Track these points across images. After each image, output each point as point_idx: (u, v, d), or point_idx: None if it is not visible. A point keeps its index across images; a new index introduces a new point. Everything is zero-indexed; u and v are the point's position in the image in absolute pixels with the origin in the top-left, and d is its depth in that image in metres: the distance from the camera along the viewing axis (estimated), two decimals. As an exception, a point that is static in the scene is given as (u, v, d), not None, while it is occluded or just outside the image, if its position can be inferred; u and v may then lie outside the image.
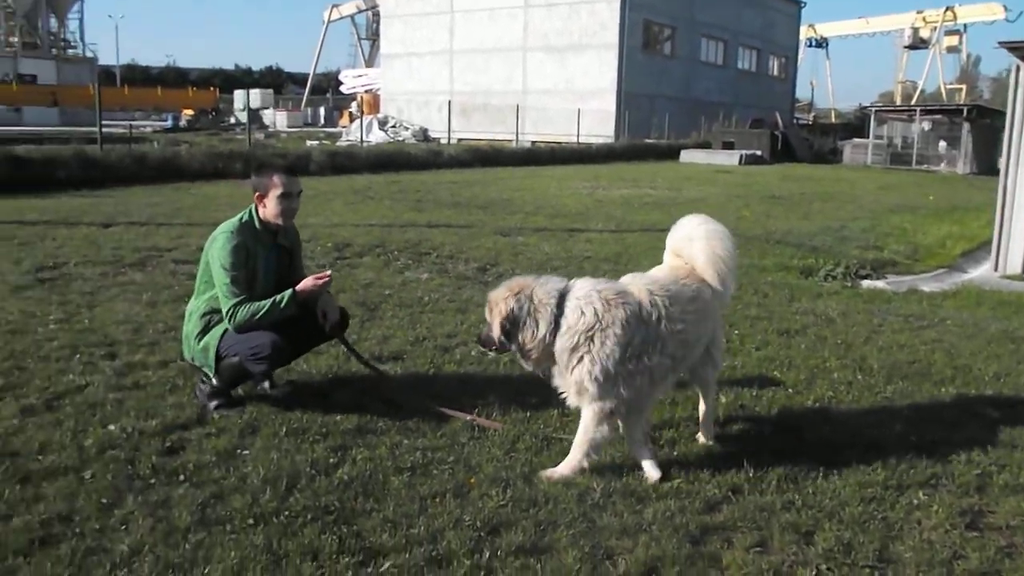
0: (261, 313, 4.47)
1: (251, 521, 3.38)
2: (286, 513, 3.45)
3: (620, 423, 4.04)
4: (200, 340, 4.61)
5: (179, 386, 4.93)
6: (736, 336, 6.68)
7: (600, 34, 41.59)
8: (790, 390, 5.37)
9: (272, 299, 4.51)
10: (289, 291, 4.56)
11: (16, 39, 67.92)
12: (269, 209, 4.66)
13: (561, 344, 3.87)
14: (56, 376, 5.02)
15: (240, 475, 3.79)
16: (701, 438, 4.52)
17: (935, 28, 65.73)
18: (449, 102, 33.19)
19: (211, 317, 4.60)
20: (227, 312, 4.47)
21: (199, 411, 4.55)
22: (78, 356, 5.41)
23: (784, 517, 3.65)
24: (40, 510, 3.39)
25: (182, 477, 3.75)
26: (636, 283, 4.08)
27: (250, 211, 4.70)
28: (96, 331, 6.02)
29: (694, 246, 4.34)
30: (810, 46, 72.93)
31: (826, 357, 6.20)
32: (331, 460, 3.99)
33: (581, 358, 3.86)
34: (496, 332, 3.95)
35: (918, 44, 67.25)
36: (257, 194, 4.68)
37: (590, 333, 3.84)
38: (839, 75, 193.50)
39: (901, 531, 3.61)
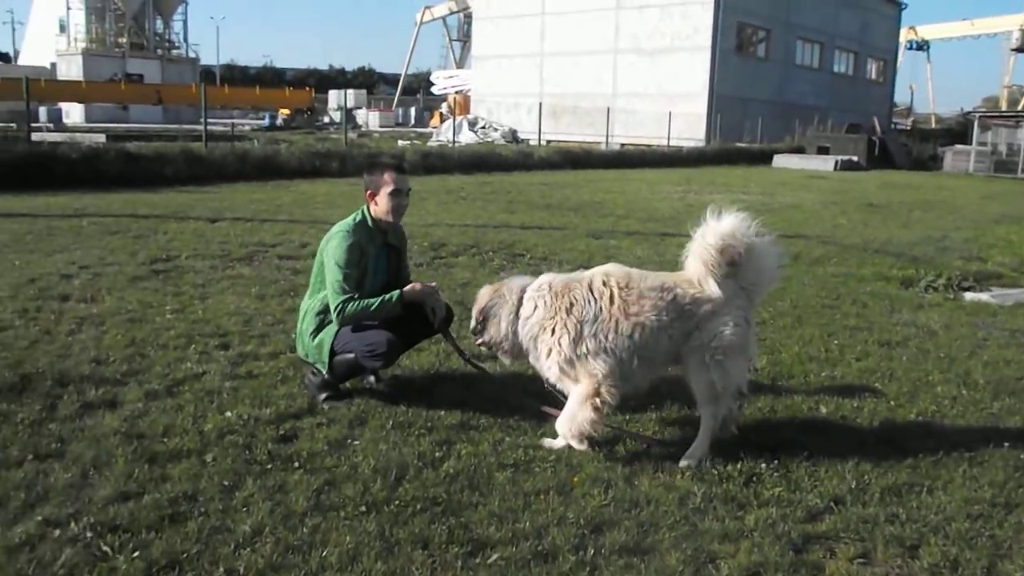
0: (370, 311, 4.63)
1: (363, 509, 3.53)
2: (396, 503, 3.59)
3: (609, 403, 4.19)
4: (314, 337, 4.80)
5: (289, 377, 5.14)
6: (836, 346, 6.59)
7: (692, 36, 41.18)
8: (892, 402, 5.29)
9: (381, 298, 4.66)
10: (397, 292, 4.71)
11: (124, 40, 70.85)
12: (380, 207, 4.81)
13: (522, 335, 4.34)
14: (175, 364, 5.29)
15: (351, 464, 3.94)
16: (683, 461, 4.16)
17: (1046, 30, 63.08)
18: (540, 104, 33.31)
19: (325, 316, 4.78)
20: (336, 307, 4.63)
21: (309, 401, 4.74)
22: (194, 345, 5.69)
23: (888, 530, 3.62)
24: (167, 489, 3.61)
25: (296, 464, 3.93)
26: (596, 270, 4.38)
27: (362, 211, 4.87)
28: (209, 322, 6.31)
29: (691, 247, 4.30)
30: (910, 49, 70.80)
31: (928, 370, 6.07)
32: (437, 454, 4.12)
33: (539, 347, 4.28)
34: (472, 324, 4.50)
35: (1027, 47, 64.57)
36: (368, 192, 4.83)
37: (543, 324, 4.25)
38: (940, 79, 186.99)
39: (1010, 550, 3.54)
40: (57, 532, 3.23)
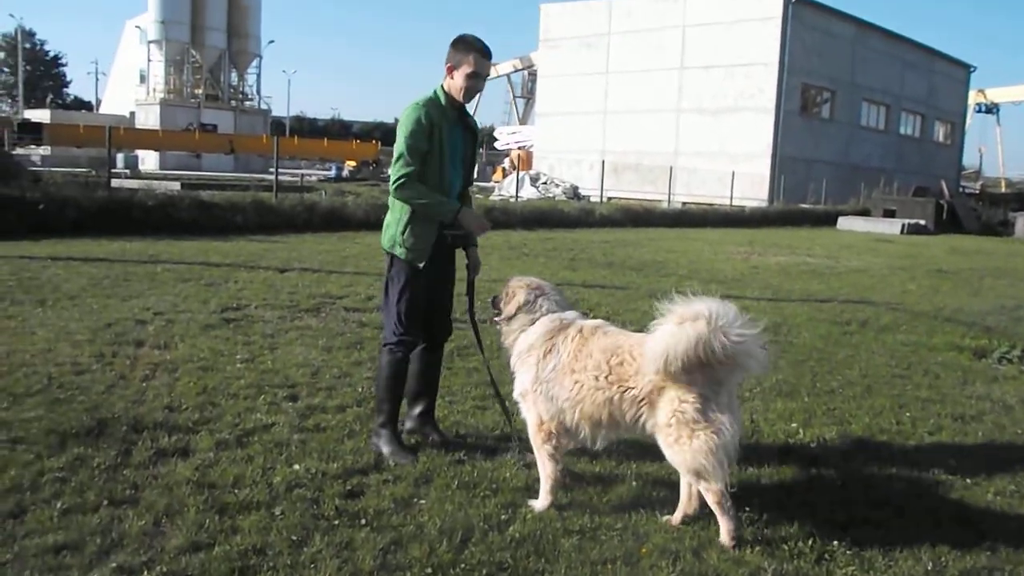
0: (425, 202, 4.73)
1: (429, 570, 3.53)
2: (462, 566, 3.58)
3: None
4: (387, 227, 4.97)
5: (356, 431, 5.19)
6: (908, 418, 6.42)
7: (756, 97, 41.19)
8: (968, 480, 5.11)
9: (439, 198, 4.77)
10: (458, 205, 4.85)
11: (201, 91, 73.50)
12: (455, 82, 4.83)
13: (517, 343, 4.52)
14: (245, 414, 5.38)
15: (417, 524, 3.95)
16: (722, 540, 3.97)
17: (1121, 95, 61.68)
18: (603, 162, 33.54)
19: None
20: (395, 180, 4.68)
21: (376, 457, 4.77)
22: (263, 396, 5.78)
23: (969, 617, 3.49)
24: (237, 541, 3.65)
25: (363, 521, 3.95)
26: (591, 321, 4.48)
27: (435, 90, 4.88)
28: (278, 372, 6.42)
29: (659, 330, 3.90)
30: (979, 111, 69.77)
31: (1005, 448, 5.88)
32: (502, 516, 4.10)
33: (519, 365, 4.48)
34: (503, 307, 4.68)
35: (1101, 112, 63.17)
36: (449, 65, 4.83)
37: (531, 350, 4.38)
38: (1010, 141, 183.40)
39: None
40: (131, 581, 3.29)
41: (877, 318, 11.42)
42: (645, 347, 3.93)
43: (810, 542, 4.03)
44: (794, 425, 6.01)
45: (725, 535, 3.96)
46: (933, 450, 5.73)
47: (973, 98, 63.36)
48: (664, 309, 3.92)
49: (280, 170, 21.40)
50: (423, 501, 4.22)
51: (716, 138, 42.37)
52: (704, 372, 3.86)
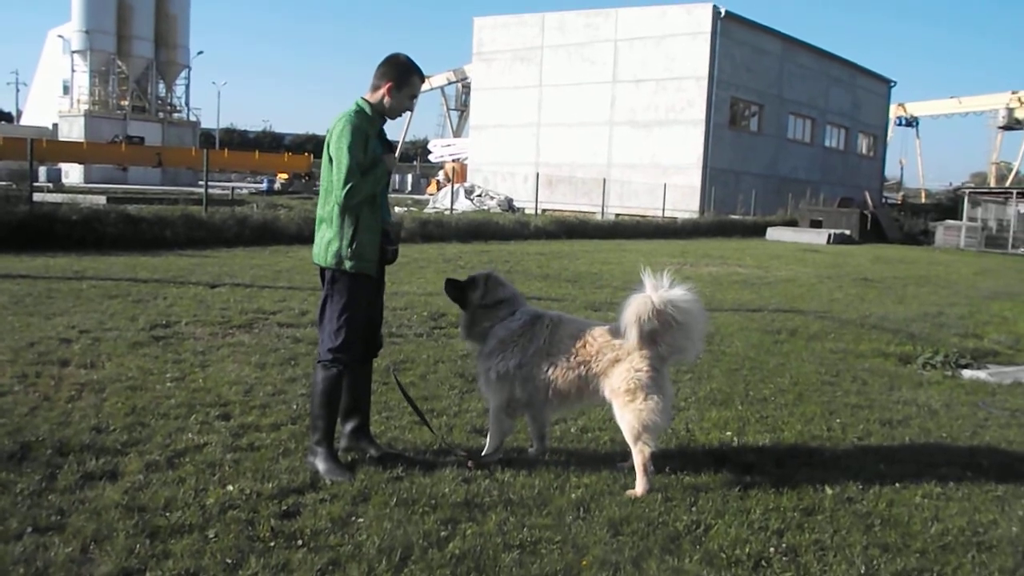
0: (371, 182, 4.76)
1: (369, 591, 3.47)
2: (403, 585, 3.54)
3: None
4: (328, 242, 4.87)
5: (291, 450, 5.10)
6: (838, 425, 6.57)
7: (687, 110, 41.90)
8: (896, 484, 5.24)
9: (373, 172, 4.79)
10: (381, 163, 4.88)
11: (127, 102, 71.82)
12: (393, 100, 4.90)
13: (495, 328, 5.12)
14: (176, 434, 5.25)
15: (355, 543, 3.89)
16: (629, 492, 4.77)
17: (1031, 109, 64.40)
18: (537, 174, 33.72)
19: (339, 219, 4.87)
20: (346, 191, 4.63)
21: (312, 476, 4.69)
22: (195, 415, 5.65)
23: (901, 619, 3.57)
24: (169, 566, 3.55)
25: (300, 542, 3.88)
26: (554, 312, 5.27)
27: (358, 103, 4.89)
28: (210, 391, 6.28)
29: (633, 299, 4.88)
30: (900, 125, 72.07)
31: (932, 452, 6.05)
32: (442, 533, 4.06)
33: (492, 352, 5.09)
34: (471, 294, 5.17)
35: (1013, 125, 65.80)
36: (389, 84, 4.86)
37: (510, 338, 5.07)
38: (929, 154, 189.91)
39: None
40: (57, 611, 3.17)
41: (806, 326, 11.67)
42: (621, 316, 4.80)
43: (747, 549, 4.09)
44: (728, 434, 6.10)
45: (640, 490, 4.72)
46: (863, 455, 5.87)
47: (894, 112, 65.44)
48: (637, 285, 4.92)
49: (210, 183, 21.02)
50: (361, 519, 4.16)
51: (648, 150, 42.96)
52: (653, 348, 4.79)
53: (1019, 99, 65.14)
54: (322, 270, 4.92)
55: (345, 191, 4.65)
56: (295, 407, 6.00)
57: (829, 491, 5.02)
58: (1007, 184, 57.33)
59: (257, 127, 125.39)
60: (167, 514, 4.06)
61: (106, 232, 15.60)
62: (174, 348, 7.60)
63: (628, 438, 4.83)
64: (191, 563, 3.59)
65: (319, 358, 4.90)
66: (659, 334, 4.79)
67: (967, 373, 9.83)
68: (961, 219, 39.50)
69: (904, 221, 41.49)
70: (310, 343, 8.12)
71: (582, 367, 4.87)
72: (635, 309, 4.72)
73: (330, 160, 4.77)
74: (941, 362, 10.21)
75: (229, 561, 3.63)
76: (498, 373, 4.94)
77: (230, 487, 4.44)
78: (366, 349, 5.06)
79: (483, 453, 5.08)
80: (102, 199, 24.91)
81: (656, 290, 4.79)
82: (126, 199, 24.96)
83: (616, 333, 4.87)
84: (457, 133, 76.61)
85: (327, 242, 4.85)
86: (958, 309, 14.79)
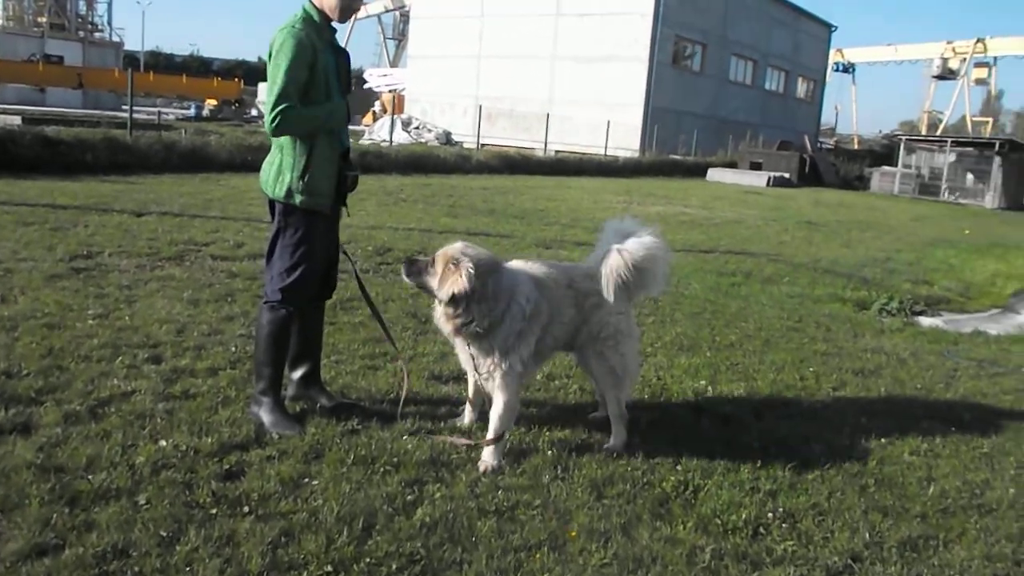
0: (310, 118, 4.10)
1: (329, 568, 3.01)
2: (367, 560, 3.08)
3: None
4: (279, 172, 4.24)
5: (231, 398, 4.56)
6: (811, 374, 6.29)
7: (631, 47, 41.14)
8: (882, 440, 4.96)
9: (324, 106, 4.15)
10: (340, 102, 4.27)
11: (44, 20, 67.86)
12: (330, 1, 4.18)
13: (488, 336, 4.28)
14: (99, 380, 4.65)
15: (310, 509, 3.41)
16: (607, 446, 4.44)
17: (964, 59, 65.18)
18: (480, 107, 32.81)
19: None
20: (272, 119, 3.99)
21: (256, 429, 4.17)
22: (120, 358, 5.04)
23: (916, 594, 3.26)
24: (93, 541, 3.02)
25: (246, 508, 3.38)
26: (535, 267, 4.49)
27: (304, 8, 4.19)
28: (137, 330, 5.65)
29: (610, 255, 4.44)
30: (837, 70, 72.30)
31: (910, 404, 5.81)
32: (408, 496, 3.61)
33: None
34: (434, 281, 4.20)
35: (946, 75, 66.63)
36: None
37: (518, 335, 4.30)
38: (864, 101, 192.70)
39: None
40: (-47, 600, 2.64)
41: (760, 269, 11.44)
42: (600, 275, 4.38)
43: (743, 515, 3.73)
44: (702, 383, 5.75)
45: (618, 443, 4.41)
46: (841, 407, 5.59)
47: (832, 57, 65.57)
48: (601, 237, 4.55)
49: (135, 108, 19.76)
50: (315, 481, 3.66)
51: (590, 87, 42.20)
52: (624, 292, 4.42)
53: (953, 50, 65.87)
54: (271, 201, 4.32)
55: (273, 116, 3.99)
56: (233, 349, 5.43)
57: (816, 448, 4.71)
58: (938, 132, 58.33)
59: (184, 51, 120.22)
60: (90, 476, 3.50)
61: (20, 154, 14.42)
62: (96, 281, 6.89)
63: (606, 386, 4.49)
64: (118, 536, 3.06)
65: (266, 298, 4.33)
66: (632, 283, 4.45)
67: (924, 321, 9.72)
68: (896, 166, 39.98)
69: (840, 166, 41.83)
70: (247, 278, 7.50)
71: (572, 322, 4.44)
72: (612, 267, 4.35)
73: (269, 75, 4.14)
74: (897, 308, 10.10)
75: (164, 534, 3.11)
76: (521, 366, 4.16)
77: (163, 442, 3.89)
78: (321, 289, 4.51)
79: (490, 447, 4.11)
80: (17, 119, 23.32)
81: (624, 239, 4.42)
82: (43, 120, 23.34)
83: (593, 277, 4.43)
84: (394, 63, 74.42)
85: (277, 170, 4.23)
86: (905, 255, 14.77)
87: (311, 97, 4.12)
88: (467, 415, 4.59)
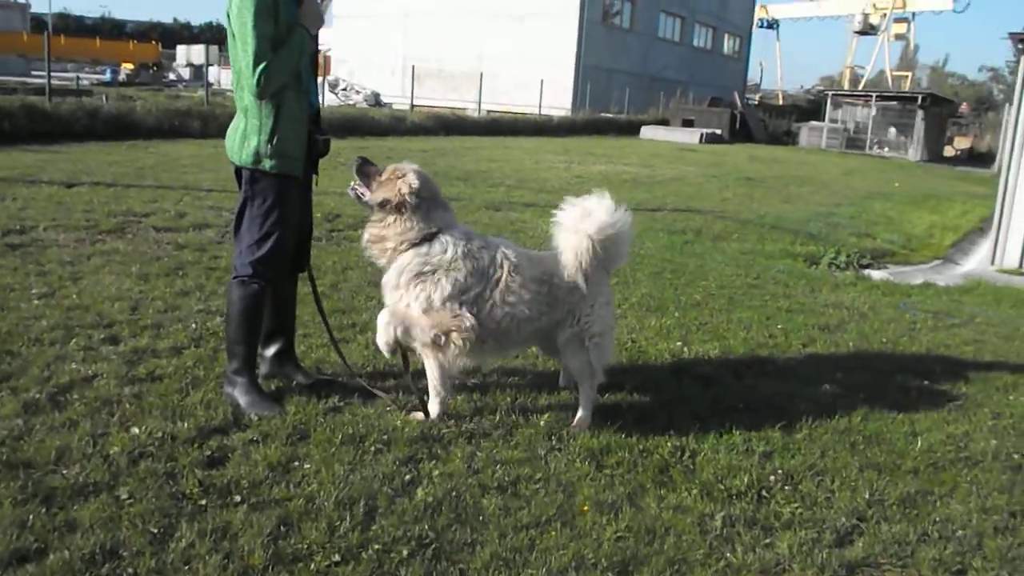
0: (282, 63, 3.83)
1: (337, 557, 2.85)
2: (375, 546, 2.92)
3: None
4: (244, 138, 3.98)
5: (200, 379, 4.31)
6: (780, 331, 6.29)
7: (561, 3, 40.77)
8: (861, 395, 4.98)
9: (288, 50, 3.86)
10: (299, 29, 3.95)
11: (-59, -20, 64.26)
12: None
13: (406, 260, 4.05)
14: (56, 364, 4.35)
15: (306, 495, 3.22)
16: (574, 427, 4.15)
17: (885, 15, 66.32)
18: (413, 67, 32.18)
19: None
20: (258, 78, 3.74)
21: (232, 410, 3.95)
22: (75, 340, 4.73)
23: (925, 552, 3.25)
24: (78, 543, 2.80)
25: (238, 498, 3.18)
26: (499, 245, 4.18)
27: None
28: (88, 309, 5.32)
29: (567, 236, 4.16)
30: (761, 27, 72.93)
31: (879, 359, 5.86)
32: (406, 476, 3.45)
33: (411, 287, 4.05)
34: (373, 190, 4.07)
35: (868, 30, 67.71)
36: None
37: (436, 270, 4.01)
38: (787, 57, 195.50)
39: (1052, 568, 3.24)
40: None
41: (709, 226, 11.47)
42: (562, 260, 4.09)
43: (744, 479, 3.68)
44: (677, 343, 5.69)
45: (583, 422, 4.16)
46: (815, 363, 5.60)
47: (757, 13, 66.09)
48: (558, 218, 4.15)
49: (43, 73, 18.80)
50: (306, 464, 3.47)
51: (520, 44, 41.72)
52: (605, 276, 4.26)
53: (874, 5, 66.85)
54: (237, 169, 4.06)
55: (258, 77, 3.74)
56: (194, 326, 5.16)
57: (800, 406, 4.69)
58: (860, 88, 59.44)
59: (95, 13, 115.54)
60: (63, 471, 3.25)
61: (-70, 124, 13.64)
62: (35, 258, 6.49)
63: (583, 378, 4.22)
64: (104, 535, 2.84)
65: (236, 272, 4.08)
66: (601, 262, 4.17)
67: (874, 274, 9.87)
68: (823, 121, 40.66)
69: (769, 122, 42.37)
70: (196, 249, 7.18)
71: (546, 317, 4.17)
72: (574, 252, 4.05)
73: (234, 37, 3.86)
74: (845, 262, 10.26)
75: (154, 530, 2.91)
76: (422, 309, 4.02)
77: (135, 429, 3.65)
78: (294, 260, 4.28)
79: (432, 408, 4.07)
80: (-79, 87, 22.03)
81: (586, 218, 4.07)
82: (-50, 87, 22.12)
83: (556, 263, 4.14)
84: (317, 24, 72.63)
85: (242, 135, 3.96)
86: (845, 209, 15.00)
87: (278, 52, 3.86)
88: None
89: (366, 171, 4.04)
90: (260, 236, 3.99)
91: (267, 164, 3.94)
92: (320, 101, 4.24)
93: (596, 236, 4.04)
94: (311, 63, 4.14)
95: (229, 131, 4.06)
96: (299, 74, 3.99)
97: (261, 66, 3.74)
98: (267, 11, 3.78)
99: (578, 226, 4.06)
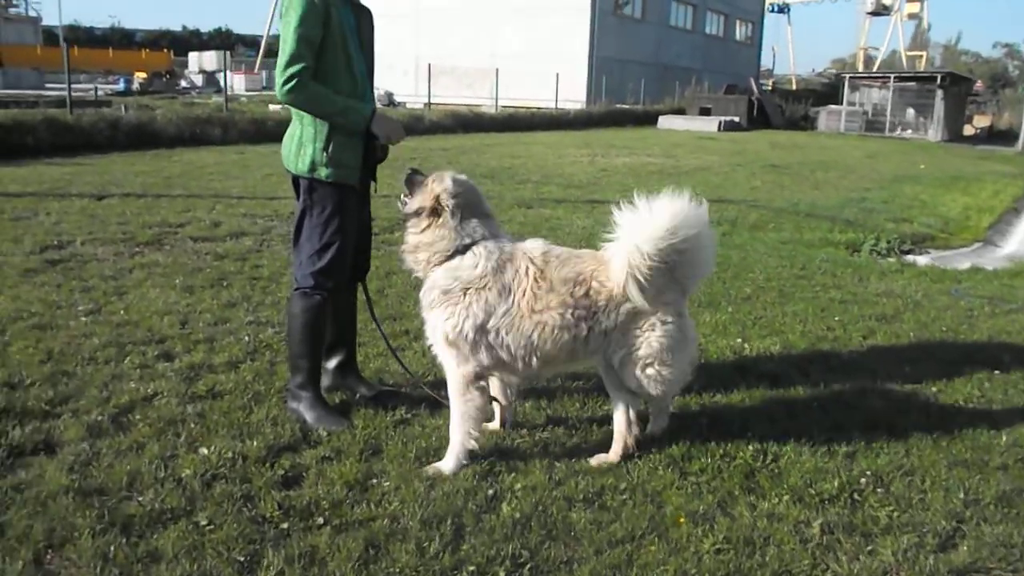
0: (327, 109, 3.74)
1: (431, 581, 2.74)
2: (470, 568, 2.82)
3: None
4: (300, 146, 3.89)
5: (263, 394, 4.22)
6: (837, 323, 6.13)
7: (572, -4, 40.56)
8: (934, 389, 4.83)
9: (346, 102, 3.77)
10: (371, 106, 3.90)
11: (-46, -4, 64.69)
12: None
13: (439, 275, 3.74)
14: (113, 384, 4.27)
15: (389, 515, 3.12)
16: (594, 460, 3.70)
17: (898, -6, 65.86)
18: (430, 65, 32.01)
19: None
20: (284, 81, 3.62)
21: (299, 426, 3.85)
22: (129, 357, 4.65)
23: (1035, 555, 3.11)
24: (163, 572, 2.70)
25: (320, 520, 3.08)
26: (523, 248, 3.73)
27: None
28: (137, 325, 5.25)
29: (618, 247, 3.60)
30: (772, 11, 72.45)
31: (943, 349, 5.69)
32: (488, 491, 3.34)
33: (442, 307, 3.73)
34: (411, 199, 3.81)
35: (880, 11, 67.20)
36: None
37: (464, 287, 3.65)
38: (799, 41, 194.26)
39: None
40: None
41: (744, 216, 11.30)
42: (610, 270, 3.58)
43: (835, 482, 3.54)
44: (737, 340, 5.55)
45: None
46: (879, 356, 5.44)
47: (767, -2, 65.70)
48: (618, 221, 3.59)
49: (60, 84, 18.80)
50: (385, 482, 3.37)
51: (533, 39, 41.54)
52: (672, 290, 3.64)
53: (886, -16, 66.49)
54: (294, 178, 3.95)
55: (286, 78, 3.61)
56: (246, 339, 5.07)
57: (874, 402, 4.54)
58: (874, 69, 58.87)
59: (104, 23, 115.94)
60: (137, 497, 3.16)
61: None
62: (77, 274, 6.43)
63: (617, 397, 3.75)
64: (191, 566, 2.74)
65: (297, 284, 3.98)
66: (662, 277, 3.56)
67: (918, 260, 9.67)
68: (841, 104, 40.25)
69: (786, 107, 41.99)
70: (236, 259, 7.09)
71: (584, 324, 3.63)
72: (622, 263, 3.50)
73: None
74: (886, 248, 10.06)
75: (241, 558, 2.81)
76: (449, 339, 3.68)
77: (204, 450, 3.56)
78: (353, 270, 4.18)
79: (444, 466, 3.59)
80: (-59, 104, 22.09)
81: (642, 225, 3.50)
82: (-30, 103, 22.19)
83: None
84: (326, 25, 72.63)
85: (298, 143, 3.86)
86: (876, 194, 14.77)
87: (327, 60, 3.75)
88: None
89: (414, 180, 3.81)
90: (320, 246, 3.89)
91: (323, 173, 3.83)
92: (376, 105, 4.11)
93: (650, 248, 3.46)
94: (368, 69, 4.03)
95: (285, 139, 3.96)
96: (355, 80, 3.89)
97: (293, 68, 3.63)
98: (315, 15, 3.66)
99: (631, 234, 3.52)
